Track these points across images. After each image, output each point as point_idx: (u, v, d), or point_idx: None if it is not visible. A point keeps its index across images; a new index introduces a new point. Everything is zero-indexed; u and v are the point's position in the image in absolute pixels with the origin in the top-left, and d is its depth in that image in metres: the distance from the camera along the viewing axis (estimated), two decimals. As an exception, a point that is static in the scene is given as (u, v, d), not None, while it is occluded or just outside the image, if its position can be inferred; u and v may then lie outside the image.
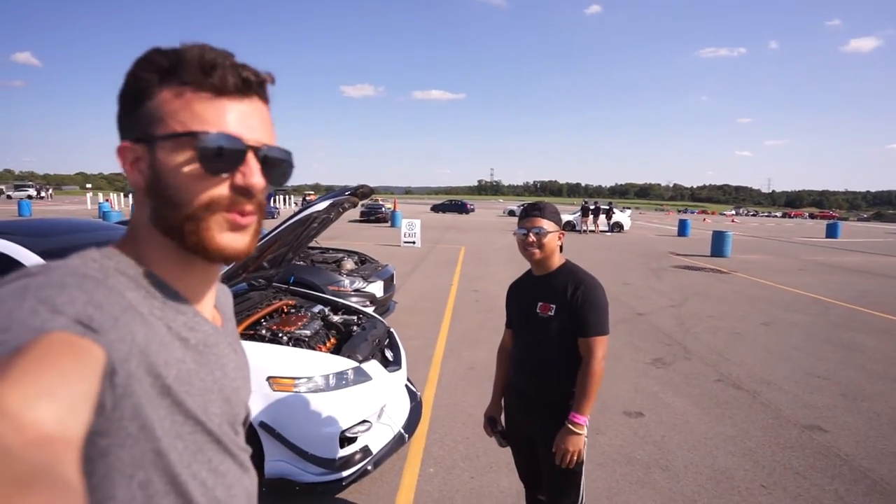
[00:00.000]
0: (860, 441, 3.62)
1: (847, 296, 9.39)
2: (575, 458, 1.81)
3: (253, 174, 0.57)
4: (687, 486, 3.01)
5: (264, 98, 0.61)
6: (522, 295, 2.01)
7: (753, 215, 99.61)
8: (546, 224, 1.87)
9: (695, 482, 3.07)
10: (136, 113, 0.56)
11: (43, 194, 55.18)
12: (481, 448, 3.32)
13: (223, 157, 0.55)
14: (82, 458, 0.45)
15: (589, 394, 1.80)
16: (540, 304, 1.89)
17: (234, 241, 0.58)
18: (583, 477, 1.91)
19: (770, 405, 4.24)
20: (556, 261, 1.94)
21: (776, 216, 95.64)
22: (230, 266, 2.97)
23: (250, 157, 0.57)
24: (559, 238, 1.92)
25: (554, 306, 1.86)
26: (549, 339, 1.86)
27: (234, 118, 0.56)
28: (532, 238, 1.86)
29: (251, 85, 0.58)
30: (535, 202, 1.95)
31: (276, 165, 0.61)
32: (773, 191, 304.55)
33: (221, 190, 0.56)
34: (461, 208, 45.93)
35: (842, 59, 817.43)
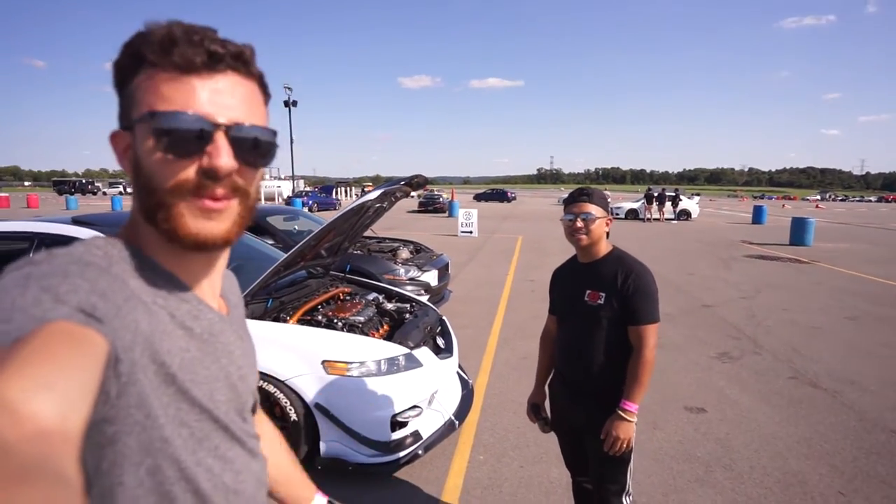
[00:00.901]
0: (959, 449, 3.26)
1: (951, 289, 8.42)
2: (625, 445, 1.77)
3: (220, 155, 0.53)
4: (752, 488, 2.85)
5: (245, 72, 0.57)
6: (568, 282, 1.97)
7: (842, 200, 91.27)
8: (594, 209, 1.81)
9: (761, 484, 2.89)
10: (121, 99, 0.56)
11: (129, 190, 60.26)
12: (532, 438, 3.29)
13: (181, 137, 0.52)
14: (91, 445, 0.47)
15: (641, 381, 1.76)
16: (588, 291, 1.85)
17: (208, 227, 0.55)
18: (630, 464, 1.86)
19: (853, 406, 3.91)
20: (604, 247, 1.88)
21: (870, 200, 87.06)
22: (288, 255, 3.12)
23: (219, 137, 0.53)
24: (607, 224, 1.86)
25: (603, 294, 1.81)
26: (598, 328, 1.82)
27: (203, 96, 0.53)
28: (579, 224, 1.82)
29: (221, 59, 0.53)
30: (582, 187, 1.90)
31: (253, 146, 0.56)
32: (868, 172, 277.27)
33: (187, 173, 0.53)
34: (502, 196, 47.25)
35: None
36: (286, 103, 31.94)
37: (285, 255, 3.13)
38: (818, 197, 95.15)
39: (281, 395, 2.74)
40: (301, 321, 3.23)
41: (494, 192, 48.67)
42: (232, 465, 0.57)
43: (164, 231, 0.54)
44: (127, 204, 32.17)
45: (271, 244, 5.11)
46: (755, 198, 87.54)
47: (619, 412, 1.76)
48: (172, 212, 0.53)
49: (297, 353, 2.81)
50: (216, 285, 0.65)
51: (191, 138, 0.52)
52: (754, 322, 6.30)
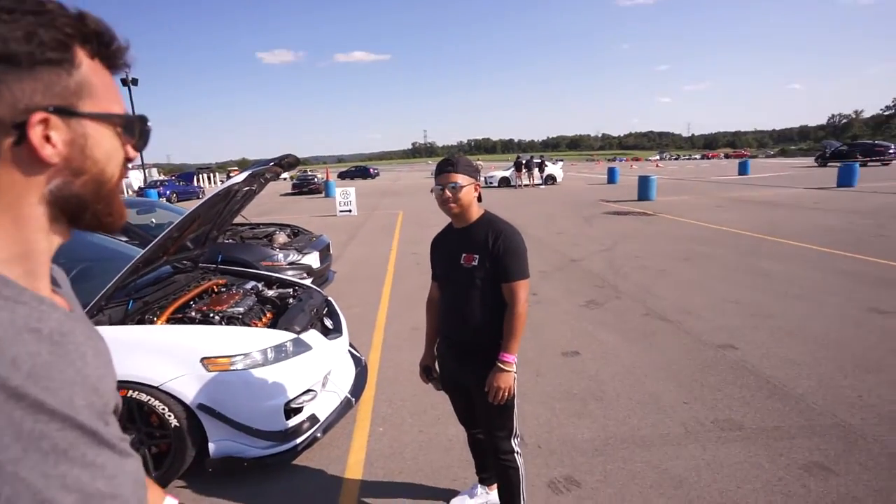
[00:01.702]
0: (764, 354, 4.06)
1: (756, 227, 10.25)
2: (506, 394, 1.92)
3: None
4: (619, 412, 3.28)
5: None
6: (445, 247, 2.06)
7: (676, 159, 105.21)
8: (460, 178, 1.90)
9: (626, 407, 3.34)
10: (57, 77, 0.54)
11: None
12: (428, 403, 3.43)
13: (135, 132, 0.59)
14: None
15: (515, 334, 1.91)
16: (463, 255, 1.95)
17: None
18: (515, 410, 2.04)
19: (690, 331, 4.64)
20: (475, 212, 1.99)
21: (696, 158, 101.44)
22: (146, 250, 2.82)
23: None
24: (475, 189, 1.97)
25: (477, 256, 1.92)
26: (474, 288, 1.94)
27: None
28: (448, 193, 1.90)
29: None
30: (448, 157, 1.97)
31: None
32: (693, 134, 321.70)
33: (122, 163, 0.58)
34: (365, 173, 49.54)
35: (749, 1, 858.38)
36: (124, 81, 27.95)
37: (142, 251, 2.83)
38: (657, 157, 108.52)
39: (156, 403, 2.51)
40: (171, 320, 2.97)
41: (357, 170, 50.89)
42: (103, 470, 0.53)
43: (101, 221, 0.57)
44: None
45: (125, 241, 4.56)
46: (608, 161, 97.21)
47: (499, 364, 1.91)
48: (116, 199, 0.57)
49: (170, 355, 2.59)
50: (48, 278, 0.58)
51: (138, 132, 0.58)
52: (613, 270, 7.12)
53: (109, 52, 0.53)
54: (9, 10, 0.45)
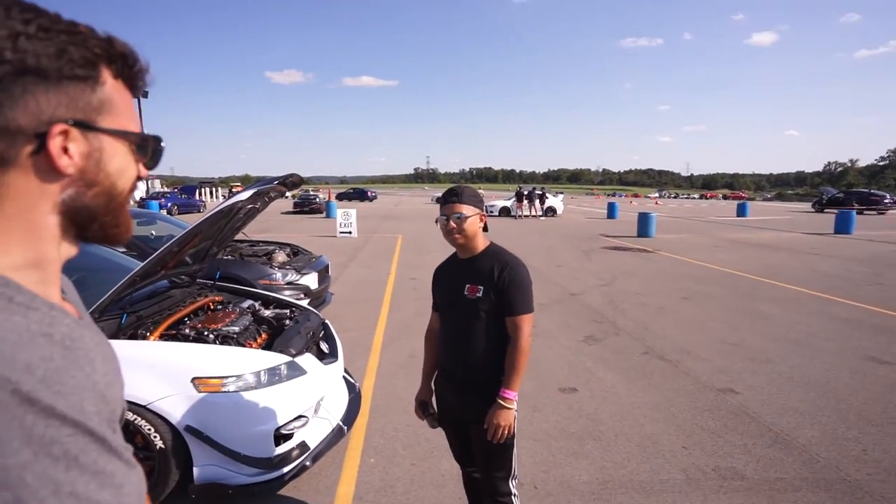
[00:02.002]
0: (765, 400, 3.99)
1: (755, 269, 10.26)
2: (506, 432, 1.86)
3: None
4: (617, 454, 3.19)
5: None
6: (449, 277, 2.03)
7: (675, 197, 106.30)
8: (465, 209, 1.88)
9: (624, 449, 3.25)
10: (83, 92, 0.56)
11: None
12: (422, 435, 3.33)
13: (147, 151, 0.61)
14: None
15: (518, 369, 1.85)
16: (467, 286, 1.91)
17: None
18: (514, 450, 1.97)
19: (689, 373, 4.57)
20: (481, 243, 1.96)
21: (694, 198, 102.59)
22: (146, 263, 2.78)
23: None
24: (481, 220, 1.94)
25: (481, 287, 1.89)
26: (477, 320, 1.89)
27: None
28: (453, 224, 1.87)
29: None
30: (453, 187, 1.96)
31: None
32: (692, 174, 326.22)
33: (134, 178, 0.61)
34: (362, 195, 50.42)
35: (746, 50, 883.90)
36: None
37: (141, 264, 2.78)
38: (657, 195, 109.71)
39: (142, 422, 2.43)
40: (165, 336, 2.90)
41: (355, 192, 52.02)
42: (112, 478, 0.52)
43: (108, 233, 0.58)
44: None
45: (123, 252, 4.52)
46: (608, 195, 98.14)
47: (499, 401, 1.84)
48: (125, 212, 0.59)
49: (160, 373, 2.52)
50: (59, 287, 0.59)
51: (151, 151, 0.61)
52: (613, 306, 7.07)
53: (132, 74, 0.56)
54: (45, 29, 0.49)
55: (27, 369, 0.45)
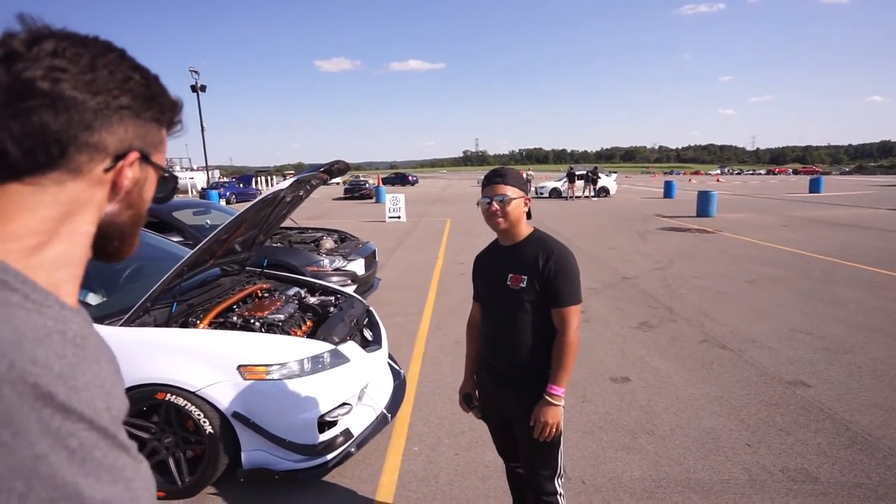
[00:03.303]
0: (842, 394, 3.65)
1: (829, 250, 9.46)
2: (554, 430, 1.76)
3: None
4: (673, 450, 3.01)
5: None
6: (490, 266, 1.92)
7: (738, 174, 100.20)
8: (510, 191, 1.76)
9: (681, 445, 3.06)
10: (146, 130, 0.64)
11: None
12: (466, 424, 3.28)
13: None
14: None
15: (566, 365, 1.74)
16: (510, 275, 1.80)
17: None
18: (561, 447, 1.86)
19: (754, 363, 4.26)
20: (524, 229, 1.84)
21: (761, 174, 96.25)
22: (193, 252, 2.84)
23: None
24: (525, 204, 1.81)
25: (525, 277, 1.77)
26: (521, 311, 1.78)
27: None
28: (496, 207, 1.76)
29: None
30: (497, 168, 1.83)
31: None
32: (758, 148, 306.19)
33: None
34: (404, 180, 51.37)
35: (820, 10, 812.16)
36: (193, 88, 29.57)
37: (189, 253, 2.85)
38: (718, 171, 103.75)
39: (193, 408, 2.51)
40: (213, 324, 2.98)
41: (397, 176, 53.38)
42: (123, 472, 0.55)
43: (123, 249, 0.66)
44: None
45: (178, 241, 4.70)
46: (665, 174, 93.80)
47: (547, 397, 1.74)
48: (138, 235, 0.67)
49: (209, 360, 2.58)
50: (77, 289, 0.64)
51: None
52: (669, 291, 6.72)
53: (174, 122, 0.67)
54: (145, 77, 0.61)
55: (45, 365, 0.48)
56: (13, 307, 0.49)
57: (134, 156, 0.60)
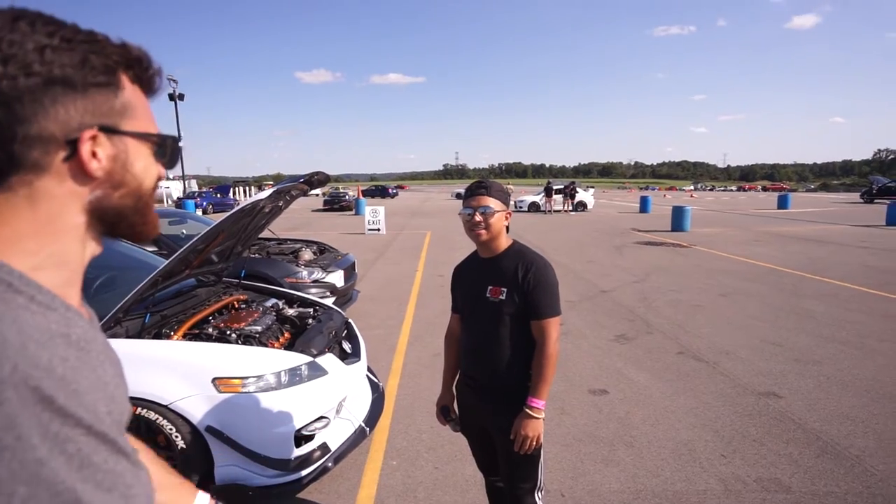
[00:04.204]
0: (812, 405, 3.74)
1: (798, 264, 9.76)
2: (534, 443, 1.75)
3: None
4: (650, 461, 3.03)
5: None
6: (470, 278, 1.92)
7: (711, 190, 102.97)
8: (492, 203, 1.77)
9: (658, 456, 3.09)
10: (103, 98, 0.58)
11: None
12: (446, 437, 3.25)
13: (168, 150, 0.63)
14: None
15: (546, 377, 1.74)
16: (490, 287, 1.80)
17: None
18: (541, 460, 1.86)
19: (728, 375, 4.34)
20: (504, 242, 1.85)
21: (732, 190, 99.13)
22: (168, 262, 2.78)
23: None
24: (506, 218, 1.83)
25: (505, 290, 1.78)
26: (500, 324, 1.79)
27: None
28: (478, 218, 1.76)
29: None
30: (481, 180, 1.85)
31: None
32: (729, 165, 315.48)
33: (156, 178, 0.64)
34: (384, 193, 52.05)
35: (786, 34, 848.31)
36: (171, 97, 29.15)
37: (164, 264, 2.79)
38: (692, 187, 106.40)
39: (164, 422, 2.43)
40: (188, 336, 2.91)
41: (377, 189, 53.87)
42: (122, 478, 0.54)
43: (136, 231, 0.61)
44: None
45: (153, 251, 4.60)
46: (641, 189, 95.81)
47: (527, 410, 1.74)
48: (151, 211, 0.62)
49: (182, 373, 2.51)
50: (79, 290, 0.62)
51: (169, 152, 0.63)
52: (645, 304, 6.83)
53: (147, 77, 0.59)
54: (67, 40, 0.51)
55: (48, 368, 0.47)
56: (18, 309, 0.48)
57: (89, 134, 0.53)
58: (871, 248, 11.81)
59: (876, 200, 30.81)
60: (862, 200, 33.69)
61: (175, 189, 35.33)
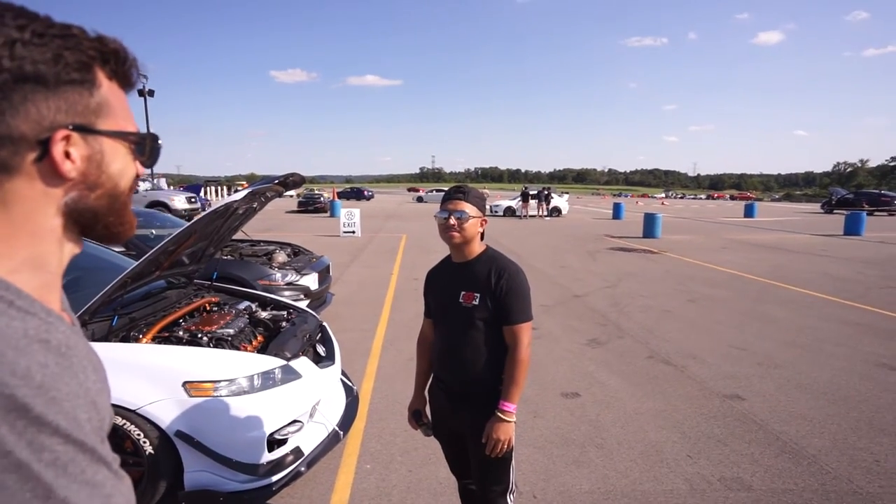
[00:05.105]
0: (773, 406, 3.89)
1: (763, 271, 10.12)
2: (505, 446, 1.78)
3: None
4: (620, 463, 3.11)
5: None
6: (442, 283, 1.95)
7: (681, 197, 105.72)
8: (468, 208, 1.80)
9: (627, 458, 3.17)
10: (78, 96, 0.55)
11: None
12: (419, 441, 3.25)
13: (148, 148, 0.62)
14: None
15: (517, 381, 1.78)
16: (463, 292, 1.83)
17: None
18: (512, 462, 1.89)
19: (695, 378, 4.47)
20: (477, 247, 1.88)
21: (701, 198, 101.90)
22: (138, 263, 2.72)
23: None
24: (481, 224, 1.86)
25: (478, 295, 1.80)
26: (473, 329, 1.82)
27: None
28: (453, 221, 1.79)
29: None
30: (459, 185, 1.88)
31: None
32: (699, 174, 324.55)
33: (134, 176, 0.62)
34: (359, 195, 52.05)
35: (752, 49, 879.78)
36: (140, 92, 28.49)
37: (133, 265, 2.73)
38: (663, 195, 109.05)
39: (132, 427, 2.38)
40: (157, 339, 2.85)
41: (353, 191, 53.77)
42: (101, 489, 0.52)
43: (112, 231, 0.59)
44: None
45: (120, 252, 4.48)
46: (614, 196, 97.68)
47: (498, 413, 1.76)
48: (128, 211, 0.60)
49: (151, 377, 2.46)
50: (59, 294, 0.60)
51: (148, 150, 0.61)
52: (617, 309, 6.97)
53: (125, 71, 0.56)
54: (40, 34, 0.48)
55: (25, 376, 0.45)
56: None
57: (60, 135, 0.50)
58: (831, 257, 12.33)
59: (835, 211, 32.15)
60: (822, 211, 35.12)
61: (143, 188, 34.38)
